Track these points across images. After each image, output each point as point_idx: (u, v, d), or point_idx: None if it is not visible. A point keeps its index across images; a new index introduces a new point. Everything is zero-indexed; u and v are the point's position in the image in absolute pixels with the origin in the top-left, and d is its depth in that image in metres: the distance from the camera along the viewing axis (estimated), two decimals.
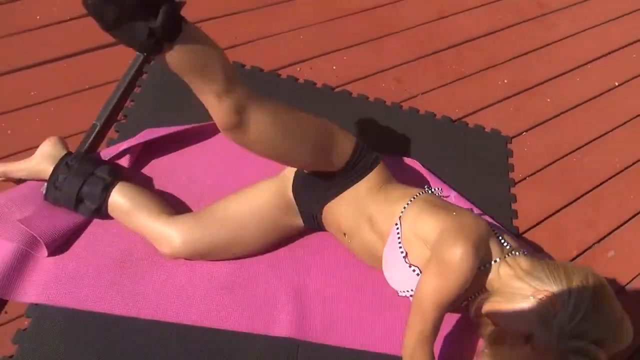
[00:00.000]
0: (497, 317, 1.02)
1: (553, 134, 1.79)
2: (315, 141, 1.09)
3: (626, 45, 2.20)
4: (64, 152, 1.24)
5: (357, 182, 1.17)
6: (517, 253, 1.07)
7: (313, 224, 1.28)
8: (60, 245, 1.18)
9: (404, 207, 1.10)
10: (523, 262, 1.04)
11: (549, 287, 0.97)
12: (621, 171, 1.76)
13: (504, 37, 2.05)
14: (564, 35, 2.14)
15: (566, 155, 1.75)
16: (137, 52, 1.44)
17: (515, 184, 1.62)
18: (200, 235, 1.19)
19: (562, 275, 0.98)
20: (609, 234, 1.60)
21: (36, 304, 1.12)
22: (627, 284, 1.52)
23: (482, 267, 1.02)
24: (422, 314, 1.00)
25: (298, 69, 1.69)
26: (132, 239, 1.23)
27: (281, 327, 1.19)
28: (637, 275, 1.54)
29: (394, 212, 1.11)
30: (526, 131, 1.77)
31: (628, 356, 1.37)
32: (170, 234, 1.18)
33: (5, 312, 1.11)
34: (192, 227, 1.19)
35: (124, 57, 1.53)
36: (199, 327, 1.16)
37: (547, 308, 0.95)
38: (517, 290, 1.00)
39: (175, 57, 0.87)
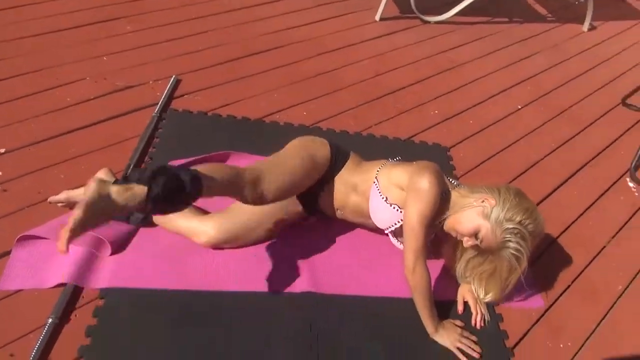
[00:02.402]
0: (454, 225, 1.44)
1: (480, 143, 2.31)
2: (306, 171, 1.48)
3: (523, 81, 2.86)
4: (114, 179, 1.59)
5: (340, 171, 1.59)
6: (461, 185, 1.50)
7: (312, 211, 1.65)
8: (118, 246, 1.49)
9: (377, 171, 1.54)
10: (466, 188, 1.49)
11: (485, 195, 1.40)
12: (537, 162, 2.28)
13: (429, 84, 2.65)
14: (474, 78, 2.77)
15: (492, 156, 2.26)
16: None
17: (459, 177, 2.08)
18: (229, 225, 1.53)
19: (492, 187, 1.44)
20: (538, 204, 2.06)
21: (106, 288, 1.40)
22: (553, 242, 1.94)
23: (442, 194, 1.44)
24: (413, 234, 1.39)
25: (277, 116, 2.16)
26: (172, 239, 1.55)
27: (300, 285, 1.51)
28: (560, 234, 1.97)
29: (370, 176, 1.54)
30: (459, 143, 2.28)
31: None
32: (206, 227, 1.53)
33: (83, 297, 1.38)
34: (223, 220, 1.54)
35: (139, 120, 1.95)
36: (236, 292, 1.46)
37: (485, 206, 1.38)
38: (464, 203, 1.43)
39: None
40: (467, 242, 1.43)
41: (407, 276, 1.42)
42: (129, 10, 2.60)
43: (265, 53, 2.54)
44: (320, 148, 1.56)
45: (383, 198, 1.49)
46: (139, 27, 2.50)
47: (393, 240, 1.58)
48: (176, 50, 2.40)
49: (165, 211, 1.17)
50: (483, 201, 1.40)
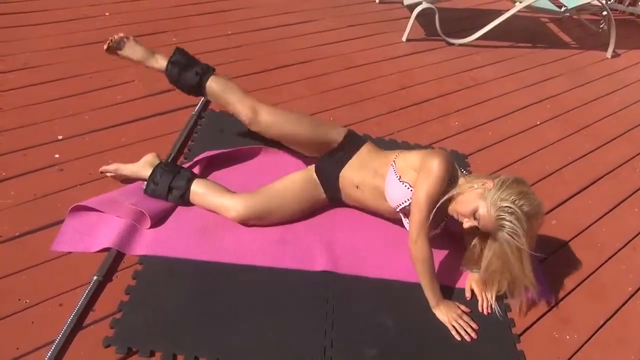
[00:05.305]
0: (456, 207, 1.57)
1: (497, 153, 2.42)
2: (310, 128, 1.77)
3: (543, 100, 2.96)
4: (158, 162, 1.78)
5: (357, 151, 1.75)
6: (469, 173, 1.64)
7: (334, 195, 1.80)
8: (157, 221, 1.66)
9: (396, 155, 1.69)
10: (473, 175, 1.62)
11: (486, 179, 1.53)
12: (552, 173, 2.37)
13: (451, 98, 2.78)
14: (495, 95, 2.89)
15: (509, 164, 2.35)
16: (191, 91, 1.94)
17: None
18: (256, 203, 1.69)
19: (494, 176, 1.55)
20: (551, 210, 2.14)
21: (145, 255, 1.56)
22: (565, 244, 2.01)
23: (451, 179, 1.55)
24: (419, 209, 1.52)
25: None
26: (206, 217, 1.71)
27: (320, 264, 1.64)
28: (573, 237, 2.04)
29: (389, 161, 1.69)
30: (477, 151, 2.39)
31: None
32: (235, 204, 1.69)
33: (124, 261, 1.55)
34: (250, 198, 1.70)
35: (180, 118, 2.15)
36: (261, 267, 1.60)
37: (484, 188, 1.51)
38: (467, 186, 1.55)
39: (212, 86, 1.79)
40: (467, 223, 1.54)
41: (410, 247, 1.54)
42: (176, 24, 2.86)
43: (296, 66, 2.74)
44: (337, 127, 1.83)
45: (397, 176, 1.64)
46: (184, 39, 2.74)
47: (404, 221, 1.71)
48: (216, 60, 2.60)
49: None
50: (483, 184, 1.53)
